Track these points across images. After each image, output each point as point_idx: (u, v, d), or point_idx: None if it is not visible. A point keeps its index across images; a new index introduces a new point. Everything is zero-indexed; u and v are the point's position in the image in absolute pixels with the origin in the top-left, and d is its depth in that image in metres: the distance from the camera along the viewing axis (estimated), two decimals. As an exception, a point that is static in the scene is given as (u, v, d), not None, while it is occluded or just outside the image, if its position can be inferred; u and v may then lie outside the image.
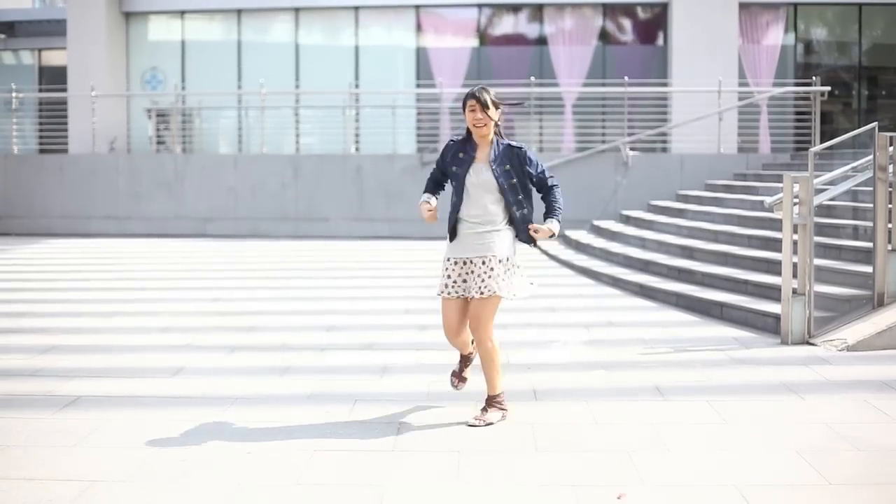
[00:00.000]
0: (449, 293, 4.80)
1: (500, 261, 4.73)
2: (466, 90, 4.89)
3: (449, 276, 4.80)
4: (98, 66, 17.84)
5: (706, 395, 5.40)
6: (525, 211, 4.80)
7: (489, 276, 4.70)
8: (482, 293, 4.69)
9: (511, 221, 4.82)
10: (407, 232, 15.23)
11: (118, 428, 4.75)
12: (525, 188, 4.81)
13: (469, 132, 4.84)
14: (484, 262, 4.72)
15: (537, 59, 17.82)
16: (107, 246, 14.21)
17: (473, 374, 5.20)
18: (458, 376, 5.15)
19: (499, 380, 4.89)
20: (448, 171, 4.86)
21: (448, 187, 4.98)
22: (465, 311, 4.84)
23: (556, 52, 17.81)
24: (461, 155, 4.81)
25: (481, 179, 4.75)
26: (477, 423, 4.79)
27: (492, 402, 4.88)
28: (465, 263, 4.78)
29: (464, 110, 4.81)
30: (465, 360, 5.14)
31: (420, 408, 5.12)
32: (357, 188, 15.48)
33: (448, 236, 4.85)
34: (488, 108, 4.71)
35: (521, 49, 18.08)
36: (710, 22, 16.64)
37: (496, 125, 4.80)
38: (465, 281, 4.78)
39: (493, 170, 4.74)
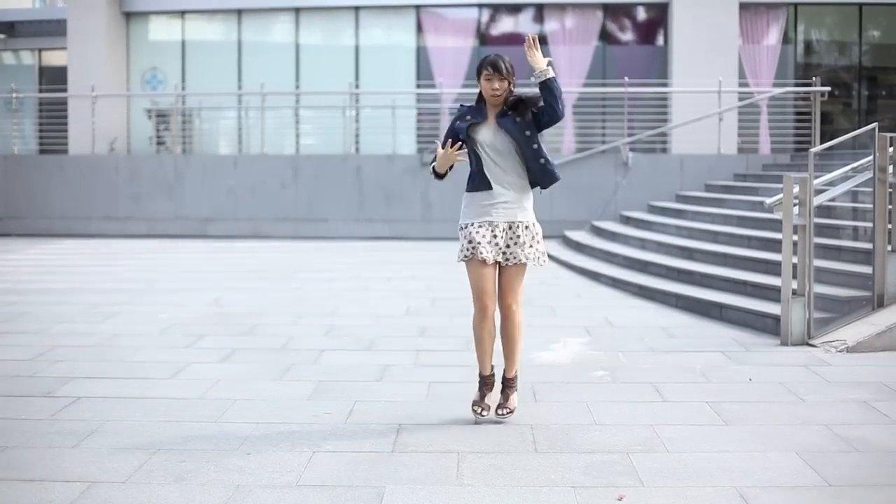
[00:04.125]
0: (481, 254, 4.66)
1: (527, 227, 4.73)
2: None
3: (470, 242, 4.68)
4: (98, 66, 17.84)
5: (706, 396, 5.40)
6: (544, 161, 4.72)
7: (522, 243, 4.69)
8: (524, 260, 4.67)
9: (532, 181, 4.76)
10: (407, 232, 15.24)
11: (118, 428, 4.75)
12: (537, 136, 4.73)
13: (480, 98, 4.79)
14: (511, 228, 4.71)
15: (537, 59, 17.78)
16: (106, 247, 14.21)
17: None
18: (481, 403, 4.87)
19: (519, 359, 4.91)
20: (462, 137, 4.72)
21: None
22: (494, 277, 4.76)
23: (556, 52, 17.80)
24: (469, 118, 4.73)
25: (500, 140, 4.70)
26: (506, 413, 4.80)
27: (512, 384, 4.87)
28: (494, 226, 4.70)
29: (478, 77, 4.74)
30: (487, 384, 4.91)
31: (420, 408, 5.12)
32: (357, 189, 15.48)
33: (469, 199, 4.73)
34: (505, 76, 4.68)
35: (522, 49, 18.03)
36: (710, 22, 16.64)
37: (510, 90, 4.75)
38: (488, 242, 4.68)
39: (504, 128, 4.69)
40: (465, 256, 4.74)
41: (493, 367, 4.97)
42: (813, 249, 6.86)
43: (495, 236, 4.72)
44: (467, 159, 4.78)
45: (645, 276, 9.64)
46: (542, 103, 4.70)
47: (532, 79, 4.71)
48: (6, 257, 12.94)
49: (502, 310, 4.86)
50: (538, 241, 4.78)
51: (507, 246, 4.73)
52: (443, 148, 4.74)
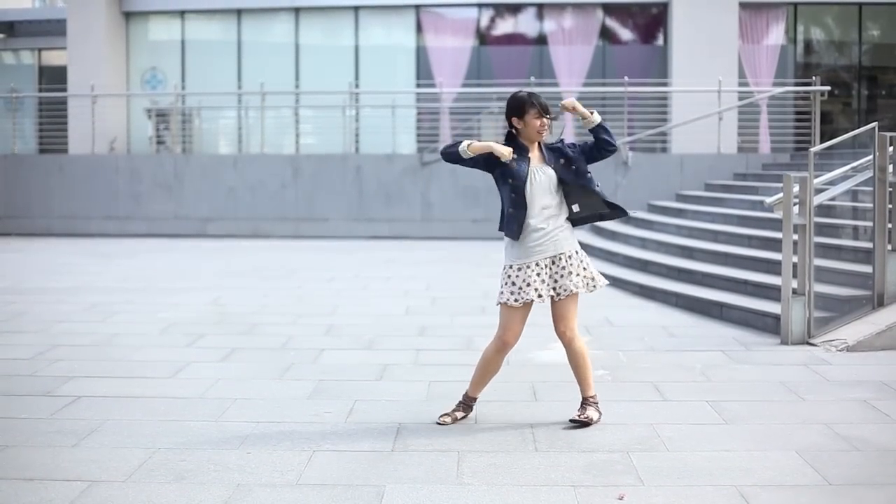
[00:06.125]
0: (517, 300, 4.67)
1: (570, 256, 4.73)
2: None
3: (514, 283, 4.69)
4: (98, 66, 17.84)
5: (706, 395, 5.40)
6: (598, 188, 4.82)
7: (569, 273, 4.69)
8: (574, 289, 4.68)
9: (568, 218, 4.78)
10: (407, 232, 15.24)
11: (118, 428, 4.75)
12: (583, 170, 4.79)
13: (509, 137, 4.80)
14: (554, 262, 4.70)
15: (537, 58, 17.82)
16: (106, 246, 14.21)
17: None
18: (450, 415, 4.88)
19: (592, 380, 4.90)
20: (502, 172, 4.71)
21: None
22: (525, 319, 4.79)
23: (555, 51, 17.81)
24: (515, 156, 4.72)
25: (542, 177, 4.70)
26: (579, 417, 4.78)
27: (589, 401, 4.86)
28: (535, 265, 4.70)
29: (519, 116, 4.72)
30: (467, 406, 4.92)
31: (420, 408, 5.12)
32: (357, 188, 15.49)
33: (509, 241, 4.74)
34: (549, 114, 4.72)
35: (521, 49, 18.08)
36: (710, 22, 16.64)
37: None
38: (528, 285, 4.68)
39: (553, 167, 4.73)
40: (507, 302, 4.71)
41: (476, 399, 4.95)
42: (813, 249, 6.86)
43: (539, 274, 4.70)
44: (510, 162, 4.72)
45: (645, 275, 9.64)
46: (580, 147, 4.86)
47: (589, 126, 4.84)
48: (6, 257, 12.94)
49: (561, 340, 4.85)
50: (585, 267, 4.77)
51: (555, 280, 4.71)
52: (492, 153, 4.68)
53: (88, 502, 3.75)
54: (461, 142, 4.73)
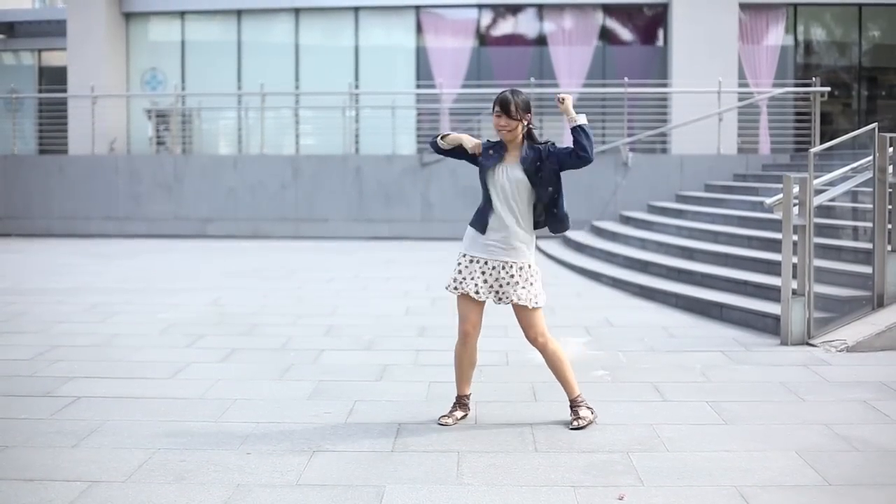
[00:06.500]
0: (456, 288, 4.74)
1: (521, 268, 4.72)
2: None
3: (460, 272, 4.75)
4: (98, 67, 17.85)
5: (706, 395, 5.40)
6: (559, 208, 4.74)
7: (515, 283, 4.69)
8: (516, 300, 4.69)
9: (537, 223, 4.79)
10: (407, 232, 15.24)
11: (118, 428, 4.75)
12: (557, 181, 4.72)
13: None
14: (504, 268, 4.70)
15: (537, 59, 17.83)
16: (106, 247, 14.21)
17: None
18: (449, 416, 4.88)
19: (574, 380, 4.88)
20: (479, 166, 4.77)
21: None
22: (480, 309, 4.81)
23: (555, 52, 17.82)
24: (490, 153, 4.76)
25: (510, 178, 4.68)
26: (578, 423, 4.76)
27: (577, 402, 4.86)
28: (484, 263, 4.72)
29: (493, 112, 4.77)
30: (461, 405, 4.93)
31: (420, 408, 5.12)
32: (357, 189, 15.49)
33: (474, 233, 4.75)
34: (511, 113, 4.65)
35: (521, 49, 18.09)
36: (710, 22, 16.65)
37: (527, 128, 4.74)
38: (471, 279, 4.71)
39: (524, 169, 4.68)
40: (450, 288, 4.79)
41: (468, 395, 4.96)
42: (813, 249, 6.86)
43: (483, 273, 4.72)
44: (478, 150, 4.79)
45: (645, 275, 9.64)
46: (567, 152, 4.70)
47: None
48: (6, 257, 12.94)
49: (535, 346, 4.86)
50: (532, 284, 4.74)
51: (500, 286, 4.73)
52: (469, 145, 4.78)
53: (88, 502, 3.75)
54: (440, 134, 4.85)
